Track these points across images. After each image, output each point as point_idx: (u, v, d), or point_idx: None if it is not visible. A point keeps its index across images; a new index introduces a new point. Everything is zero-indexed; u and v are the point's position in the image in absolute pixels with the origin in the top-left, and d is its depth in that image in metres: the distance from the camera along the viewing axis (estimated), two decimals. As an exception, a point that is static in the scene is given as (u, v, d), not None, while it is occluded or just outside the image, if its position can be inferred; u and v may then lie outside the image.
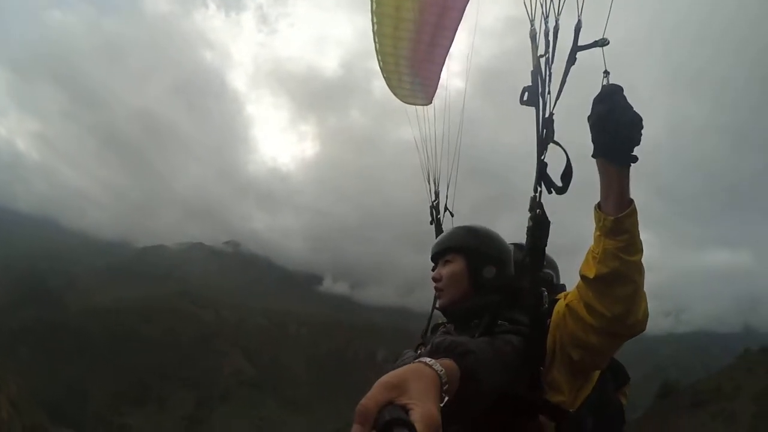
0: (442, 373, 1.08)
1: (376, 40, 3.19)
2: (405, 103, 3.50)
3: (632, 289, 1.71)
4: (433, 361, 1.11)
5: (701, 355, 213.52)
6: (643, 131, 1.69)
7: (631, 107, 1.68)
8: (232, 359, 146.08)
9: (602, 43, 1.76)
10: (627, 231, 1.70)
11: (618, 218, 1.70)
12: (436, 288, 2.24)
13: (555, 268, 2.74)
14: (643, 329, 1.81)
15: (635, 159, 1.71)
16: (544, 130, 1.91)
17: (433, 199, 3.26)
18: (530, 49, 2.00)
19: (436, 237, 2.43)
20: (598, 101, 1.70)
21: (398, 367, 1.94)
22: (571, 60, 1.86)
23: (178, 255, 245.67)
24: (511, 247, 2.29)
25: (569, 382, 1.92)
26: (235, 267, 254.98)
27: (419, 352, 2.26)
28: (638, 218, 1.73)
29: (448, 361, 1.20)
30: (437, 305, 2.28)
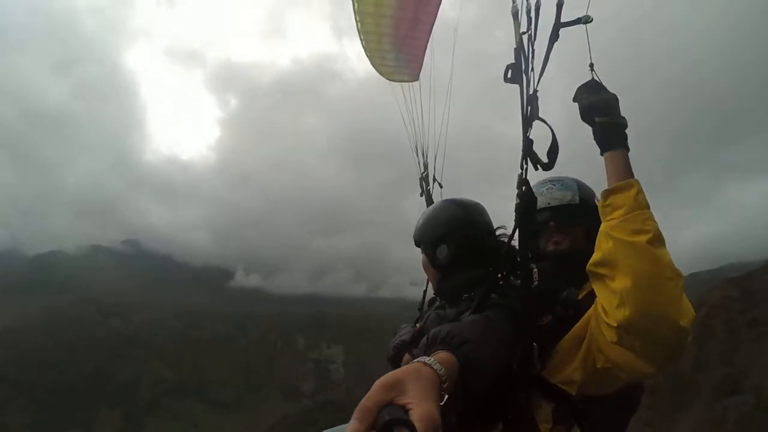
0: (441, 371, 1.08)
1: (357, 19, 3.11)
2: (390, 80, 3.44)
3: (632, 281, 1.35)
4: (432, 359, 1.11)
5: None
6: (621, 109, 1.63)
7: (604, 90, 1.64)
8: (150, 368, 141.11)
9: (585, 20, 1.68)
10: (620, 207, 1.48)
11: (606, 190, 1.53)
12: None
13: None
14: (676, 347, 1.40)
15: (623, 142, 1.62)
16: (529, 108, 1.82)
17: (422, 171, 3.24)
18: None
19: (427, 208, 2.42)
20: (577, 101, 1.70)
21: (396, 341, 2.25)
22: (554, 37, 1.78)
23: (75, 260, 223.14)
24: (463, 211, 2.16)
25: (584, 378, 1.64)
26: (138, 268, 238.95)
27: (417, 326, 2.30)
28: (646, 198, 1.50)
29: (446, 355, 1.21)
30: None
